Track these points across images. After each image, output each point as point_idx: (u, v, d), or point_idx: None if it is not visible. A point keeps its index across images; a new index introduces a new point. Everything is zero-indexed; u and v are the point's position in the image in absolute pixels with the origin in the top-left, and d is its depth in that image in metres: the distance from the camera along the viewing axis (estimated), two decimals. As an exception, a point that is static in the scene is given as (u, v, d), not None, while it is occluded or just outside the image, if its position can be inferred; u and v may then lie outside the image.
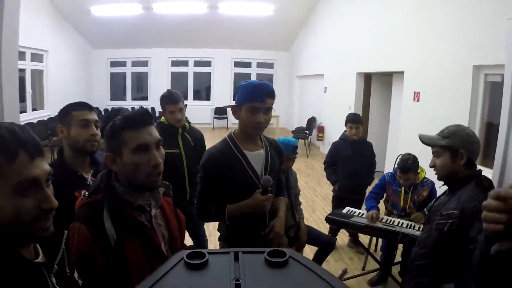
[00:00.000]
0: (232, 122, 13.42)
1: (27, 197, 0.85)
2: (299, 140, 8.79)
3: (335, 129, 8.48)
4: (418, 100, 5.54)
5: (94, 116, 1.98)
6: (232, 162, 1.97)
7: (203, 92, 15.28)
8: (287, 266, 0.83)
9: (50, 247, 0.97)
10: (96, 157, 2.00)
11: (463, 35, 4.41)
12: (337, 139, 4.36)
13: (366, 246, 3.90)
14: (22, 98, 8.98)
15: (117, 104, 13.00)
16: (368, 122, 7.84)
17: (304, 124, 11.32)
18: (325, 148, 9.52)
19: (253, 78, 13.83)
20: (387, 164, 6.51)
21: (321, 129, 10.32)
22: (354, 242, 4.35)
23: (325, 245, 3.34)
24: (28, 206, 0.85)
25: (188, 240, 2.74)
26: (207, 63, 14.55)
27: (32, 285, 0.89)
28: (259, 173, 2.00)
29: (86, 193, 1.35)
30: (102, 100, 13.31)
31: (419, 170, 3.40)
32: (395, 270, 3.60)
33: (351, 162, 4.09)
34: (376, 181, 3.89)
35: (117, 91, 14.50)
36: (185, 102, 3.19)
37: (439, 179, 2.01)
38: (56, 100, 9.85)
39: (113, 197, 1.33)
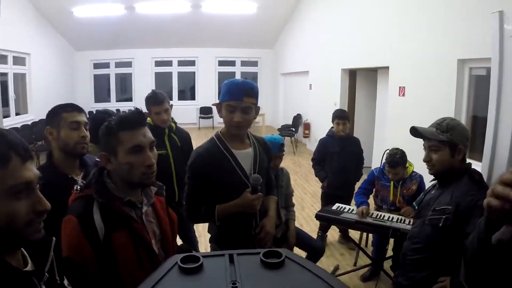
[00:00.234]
0: (218, 121, 13.33)
1: (20, 200, 0.85)
2: (286, 137, 8.78)
3: (321, 125, 8.51)
4: (403, 95, 5.58)
5: (84, 118, 1.95)
6: (220, 161, 1.94)
7: (187, 92, 15.21)
8: (284, 266, 0.82)
9: (38, 255, 0.96)
10: (86, 160, 1.98)
11: (448, 29, 4.45)
12: (324, 135, 4.37)
13: (357, 242, 3.92)
14: (5, 103, 8.82)
15: (102, 106, 12.75)
16: (354, 118, 7.85)
17: (290, 122, 11.33)
18: (311, 145, 9.55)
19: (238, 76, 13.82)
20: (375, 159, 6.54)
21: (307, 126, 10.34)
22: (345, 237, 4.37)
23: (314, 250, 3.27)
24: (22, 209, 0.85)
25: (178, 242, 2.70)
26: (191, 63, 14.46)
27: None
28: (248, 172, 1.98)
29: (79, 187, 1.40)
30: (86, 103, 13.02)
31: (407, 164, 3.42)
32: (387, 264, 3.62)
33: (339, 158, 4.11)
34: (364, 176, 3.91)
35: (101, 93, 14.29)
36: (171, 102, 3.15)
37: (433, 173, 1.95)
38: (39, 104, 9.74)
39: (103, 191, 1.38)
